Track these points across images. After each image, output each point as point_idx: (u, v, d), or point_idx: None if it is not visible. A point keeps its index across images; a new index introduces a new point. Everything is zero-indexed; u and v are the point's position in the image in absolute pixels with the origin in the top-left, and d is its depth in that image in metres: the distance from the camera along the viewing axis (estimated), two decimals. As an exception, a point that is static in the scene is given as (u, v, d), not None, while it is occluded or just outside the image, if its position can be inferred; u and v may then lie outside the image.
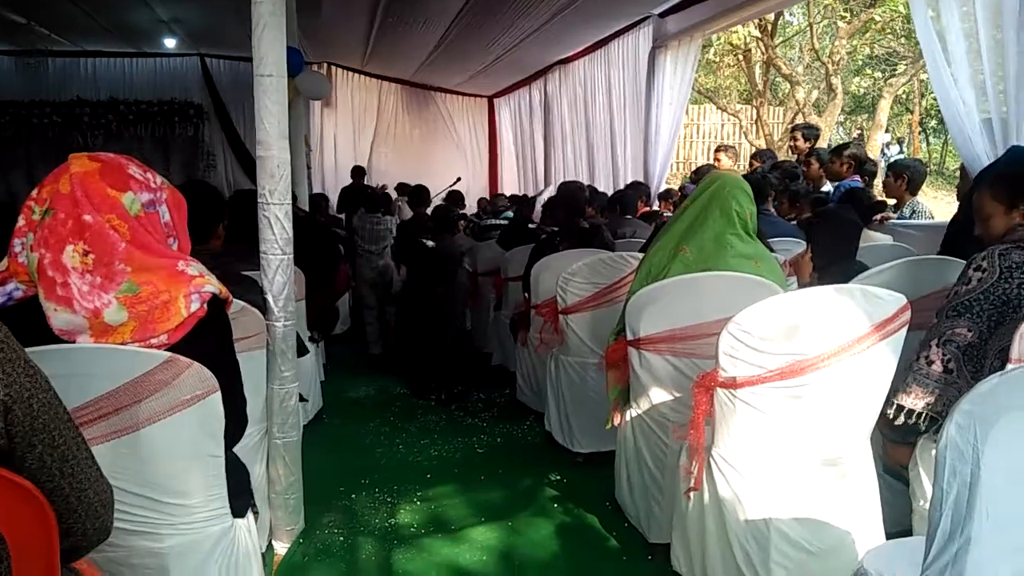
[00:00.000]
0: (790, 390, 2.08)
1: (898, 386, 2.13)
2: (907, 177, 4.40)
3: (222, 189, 7.71)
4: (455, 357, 5.06)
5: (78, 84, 9.79)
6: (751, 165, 5.84)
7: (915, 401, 2.07)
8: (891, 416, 2.13)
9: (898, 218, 4.33)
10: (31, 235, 1.44)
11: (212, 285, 1.56)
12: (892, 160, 5.25)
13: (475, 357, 5.76)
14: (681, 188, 4.99)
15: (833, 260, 2.83)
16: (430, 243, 5.19)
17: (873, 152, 12.19)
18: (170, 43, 8.98)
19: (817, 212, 3.57)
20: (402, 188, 8.86)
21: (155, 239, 1.53)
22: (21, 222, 1.46)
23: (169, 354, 1.49)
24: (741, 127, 15.25)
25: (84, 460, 1.06)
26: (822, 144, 6.12)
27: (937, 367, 2.05)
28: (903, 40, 13.70)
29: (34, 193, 1.47)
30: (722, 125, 16.34)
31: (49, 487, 0.98)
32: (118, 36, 8.54)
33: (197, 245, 1.86)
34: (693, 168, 8.29)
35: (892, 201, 4.55)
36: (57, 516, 1.00)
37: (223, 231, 2.60)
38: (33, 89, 9.40)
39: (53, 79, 9.55)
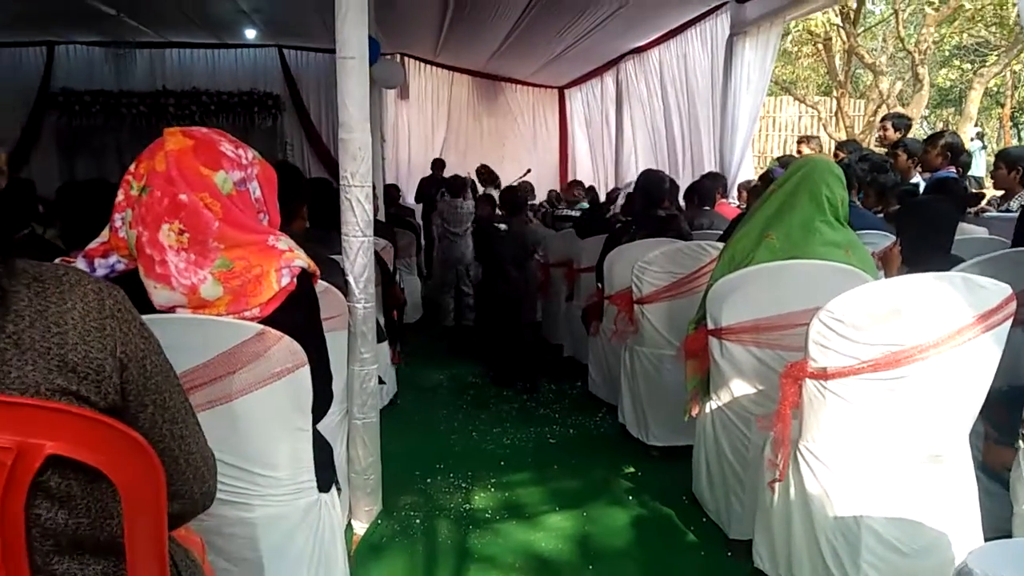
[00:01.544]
0: (885, 382, 1.99)
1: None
2: (1021, 169, 4.17)
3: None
4: (530, 346, 5.07)
5: (164, 74, 10.15)
6: (836, 156, 5.63)
7: None
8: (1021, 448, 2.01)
9: (1004, 211, 4.12)
10: (129, 211, 1.47)
11: (301, 259, 1.58)
12: (999, 151, 4.97)
13: (546, 348, 5.76)
14: (768, 172, 4.84)
15: (925, 254, 2.68)
16: (502, 226, 5.18)
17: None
18: (250, 34, 9.21)
19: (908, 202, 3.39)
20: (483, 171, 8.99)
21: (247, 216, 1.55)
22: (120, 197, 1.49)
23: (261, 326, 1.51)
24: (820, 119, 14.76)
25: (192, 425, 1.09)
26: (910, 137, 5.87)
27: None
28: (994, 29, 13.05)
29: (132, 168, 1.50)
30: (799, 117, 15.83)
31: (160, 447, 1.00)
32: (202, 27, 8.81)
33: (282, 227, 1.89)
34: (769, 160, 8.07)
35: (999, 193, 4.32)
36: (167, 479, 1.01)
37: (306, 213, 2.64)
38: (122, 79, 9.80)
39: (140, 69, 9.92)
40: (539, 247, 5.52)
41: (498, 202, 5.71)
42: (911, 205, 3.09)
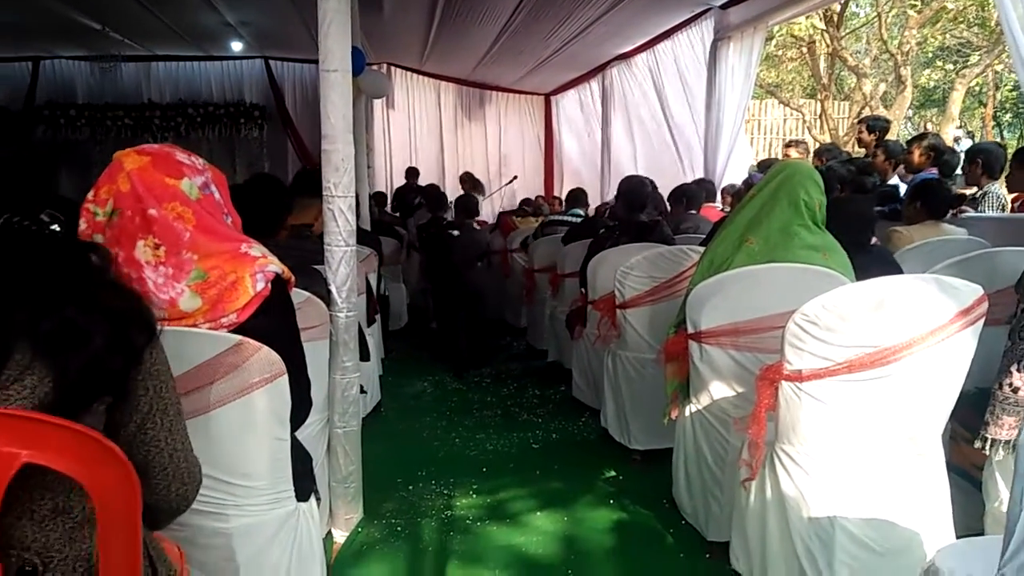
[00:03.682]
0: (859, 384, 2.02)
1: (987, 417, 2.06)
2: (981, 161, 4.22)
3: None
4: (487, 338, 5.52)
5: (150, 87, 10.12)
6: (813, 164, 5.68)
7: (1009, 432, 2.01)
8: (983, 449, 2.06)
9: (981, 211, 4.18)
10: (99, 236, 1.46)
11: (275, 265, 1.60)
12: (966, 150, 5.05)
13: (529, 352, 5.92)
14: (748, 178, 4.88)
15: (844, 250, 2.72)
16: (455, 232, 5.49)
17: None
18: (237, 46, 9.19)
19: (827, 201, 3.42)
20: (466, 178, 9.19)
21: (215, 219, 1.57)
22: (83, 225, 1.47)
23: (239, 337, 1.53)
24: (805, 122, 14.86)
25: (181, 425, 1.16)
26: (891, 138, 5.93)
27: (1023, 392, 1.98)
28: (976, 29, 13.17)
29: (90, 195, 1.49)
30: (784, 120, 15.96)
31: (151, 435, 1.08)
32: (187, 40, 8.78)
33: (265, 238, 1.90)
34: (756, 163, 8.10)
35: (974, 190, 4.38)
36: (148, 469, 1.09)
37: (290, 223, 2.66)
38: (107, 92, 9.77)
39: (126, 83, 9.88)
40: (491, 248, 6.11)
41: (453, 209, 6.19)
42: (830, 204, 3.14)
